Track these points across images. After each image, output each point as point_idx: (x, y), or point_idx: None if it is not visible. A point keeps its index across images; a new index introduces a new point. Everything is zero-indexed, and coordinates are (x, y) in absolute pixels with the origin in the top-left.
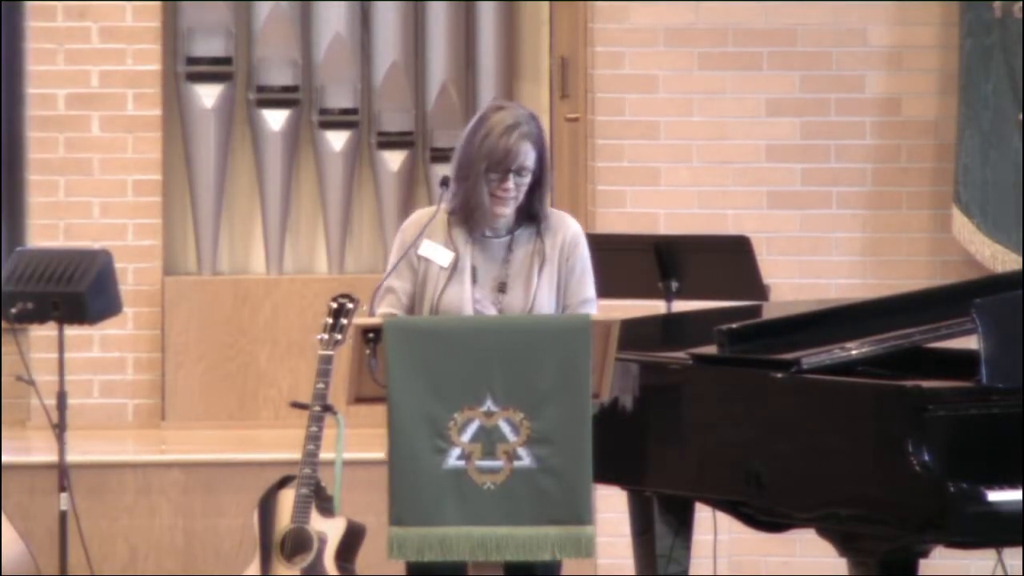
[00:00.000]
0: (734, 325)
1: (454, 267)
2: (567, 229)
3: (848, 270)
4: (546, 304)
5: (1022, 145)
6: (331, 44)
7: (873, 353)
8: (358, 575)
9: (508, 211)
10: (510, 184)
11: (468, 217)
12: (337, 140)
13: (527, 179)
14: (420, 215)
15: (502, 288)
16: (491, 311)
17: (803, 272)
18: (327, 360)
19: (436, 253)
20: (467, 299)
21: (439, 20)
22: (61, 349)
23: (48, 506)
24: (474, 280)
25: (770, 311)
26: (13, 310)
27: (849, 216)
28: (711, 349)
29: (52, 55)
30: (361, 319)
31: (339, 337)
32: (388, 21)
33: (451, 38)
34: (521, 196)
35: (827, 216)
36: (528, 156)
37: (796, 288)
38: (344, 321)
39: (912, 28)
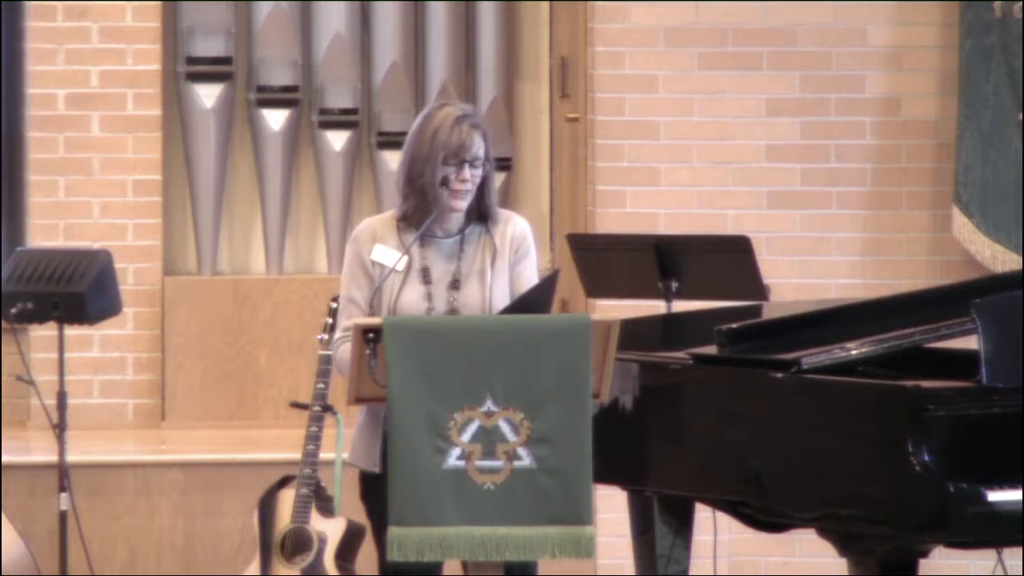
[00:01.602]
0: (734, 325)
1: (408, 270)
2: (515, 225)
3: (848, 270)
4: (500, 298)
5: (1022, 145)
6: (331, 44)
7: (873, 353)
8: (358, 575)
9: (464, 205)
10: (467, 174)
11: (424, 216)
12: (337, 140)
13: (480, 171)
14: (370, 222)
15: (455, 285)
16: (442, 309)
17: (803, 272)
18: (327, 360)
19: (389, 257)
20: (437, 299)
21: (439, 20)
22: (61, 349)
23: (48, 506)
24: (428, 280)
25: (770, 311)
26: (13, 310)
27: (849, 216)
28: (711, 349)
29: (52, 55)
30: (361, 319)
31: (335, 336)
32: (388, 21)
33: (451, 38)
34: (475, 187)
35: (827, 216)
36: (480, 146)
37: (796, 288)
38: (338, 320)
39: (912, 28)
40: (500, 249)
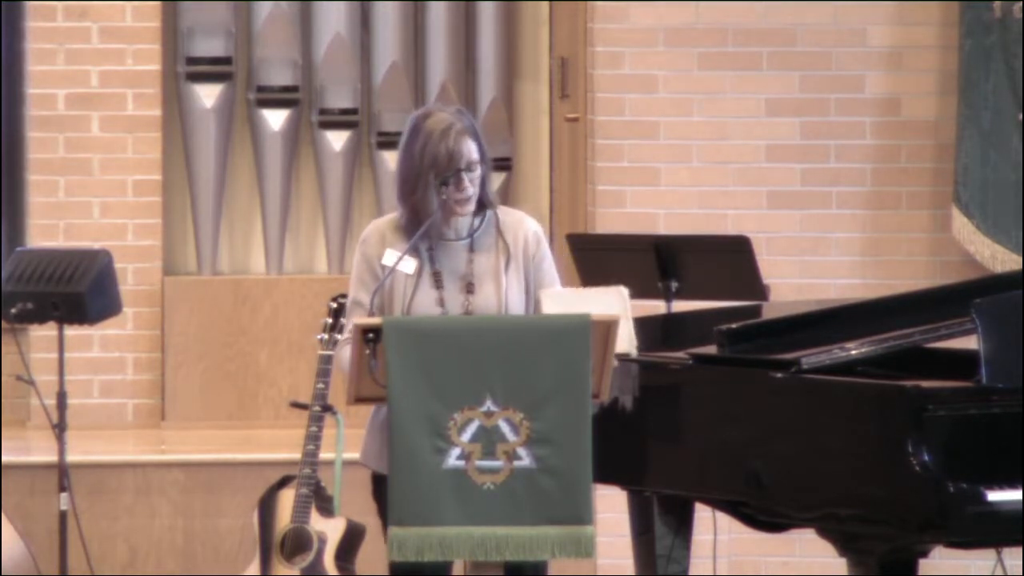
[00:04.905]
0: (734, 325)
1: (419, 273)
2: (527, 228)
3: (848, 270)
4: (516, 302)
5: (1022, 145)
6: (331, 44)
7: (873, 353)
8: (358, 575)
9: (469, 209)
10: (465, 183)
11: (418, 228)
12: (337, 140)
13: (478, 172)
14: (379, 224)
15: (469, 289)
16: (457, 313)
17: (803, 272)
18: (327, 360)
19: (400, 261)
20: (450, 303)
21: (439, 20)
22: (61, 349)
23: (48, 506)
24: (440, 284)
25: (770, 311)
26: (13, 310)
27: (849, 216)
28: (711, 349)
29: (52, 55)
30: (361, 319)
31: (339, 337)
32: (388, 21)
33: (451, 38)
34: (477, 190)
35: (827, 216)
36: (472, 151)
37: (796, 288)
38: (344, 321)
39: (912, 28)
40: (514, 253)
